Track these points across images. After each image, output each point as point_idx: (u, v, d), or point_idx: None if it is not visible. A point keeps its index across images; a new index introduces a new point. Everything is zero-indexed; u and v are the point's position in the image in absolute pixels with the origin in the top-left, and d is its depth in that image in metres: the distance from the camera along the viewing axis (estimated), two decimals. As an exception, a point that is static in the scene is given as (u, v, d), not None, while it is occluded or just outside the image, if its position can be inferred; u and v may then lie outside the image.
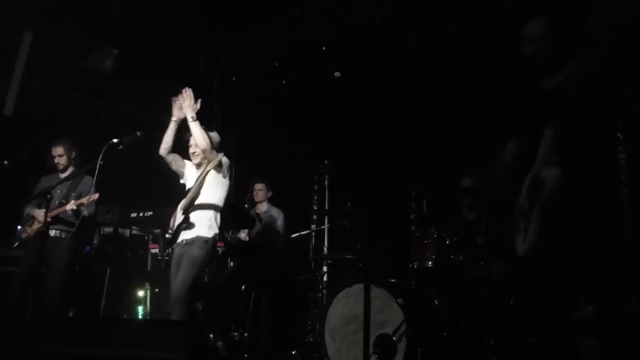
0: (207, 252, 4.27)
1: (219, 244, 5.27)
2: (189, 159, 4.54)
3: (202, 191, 4.36)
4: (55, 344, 2.94)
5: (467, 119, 5.21)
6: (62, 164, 5.36)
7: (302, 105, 6.82)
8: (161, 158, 4.51)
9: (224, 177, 4.44)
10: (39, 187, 5.29)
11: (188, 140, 4.47)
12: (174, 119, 4.41)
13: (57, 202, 5.25)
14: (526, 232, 3.08)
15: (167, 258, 6.05)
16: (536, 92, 2.91)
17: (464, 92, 5.37)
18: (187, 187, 4.48)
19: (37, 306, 5.11)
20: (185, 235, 4.32)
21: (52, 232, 5.16)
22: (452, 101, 5.46)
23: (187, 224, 4.29)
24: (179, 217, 4.36)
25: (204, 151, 4.32)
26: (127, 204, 6.73)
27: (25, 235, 5.23)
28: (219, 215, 4.39)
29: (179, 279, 4.18)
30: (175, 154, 4.54)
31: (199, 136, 4.25)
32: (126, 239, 6.99)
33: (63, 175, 5.28)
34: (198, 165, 4.50)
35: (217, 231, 4.36)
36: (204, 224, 4.31)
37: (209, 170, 4.35)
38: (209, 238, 4.29)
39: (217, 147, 4.46)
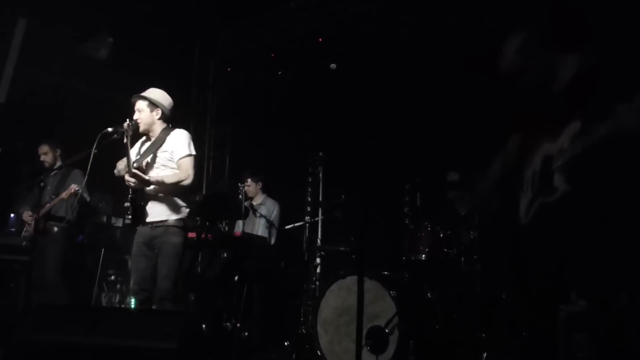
0: (184, 238, 4.03)
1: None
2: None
3: (164, 168, 4.08)
4: (47, 332, 2.93)
5: (463, 113, 5.21)
6: (47, 162, 5.53)
7: (298, 96, 6.80)
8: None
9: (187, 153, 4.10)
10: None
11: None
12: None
13: (47, 197, 5.26)
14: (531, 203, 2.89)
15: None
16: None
17: (459, 86, 5.37)
18: (140, 161, 4.09)
19: (28, 295, 5.12)
20: (153, 217, 4.03)
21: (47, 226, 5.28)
22: (447, 95, 5.45)
23: (152, 205, 4.02)
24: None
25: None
26: (121, 193, 6.70)
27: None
28: (185, 194, 4.11)
29: (163, 272, 3.92)
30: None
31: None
32: (119, 228, 6.98)
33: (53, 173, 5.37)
34: (147, 138, 4.22)
35: (187, 210, 4.10)
36: (172, 205, 4.04)
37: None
38: (183, 219, 4.05)
39: (168, 113, 4.19)
